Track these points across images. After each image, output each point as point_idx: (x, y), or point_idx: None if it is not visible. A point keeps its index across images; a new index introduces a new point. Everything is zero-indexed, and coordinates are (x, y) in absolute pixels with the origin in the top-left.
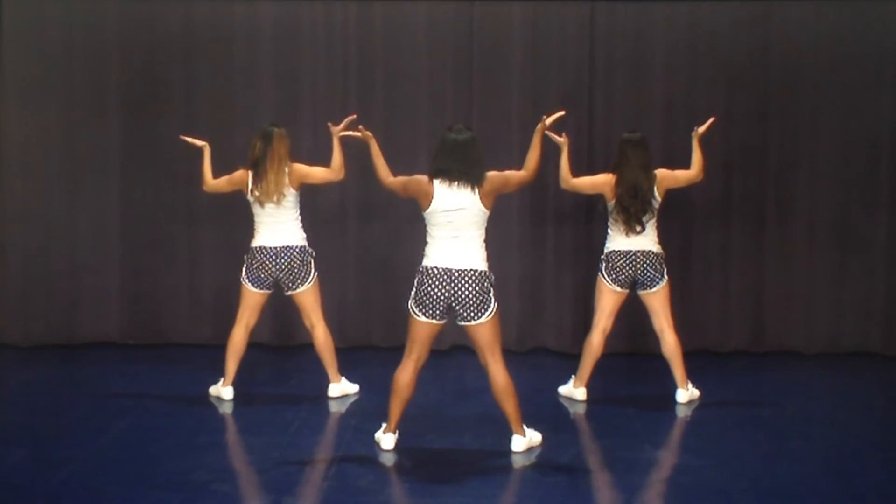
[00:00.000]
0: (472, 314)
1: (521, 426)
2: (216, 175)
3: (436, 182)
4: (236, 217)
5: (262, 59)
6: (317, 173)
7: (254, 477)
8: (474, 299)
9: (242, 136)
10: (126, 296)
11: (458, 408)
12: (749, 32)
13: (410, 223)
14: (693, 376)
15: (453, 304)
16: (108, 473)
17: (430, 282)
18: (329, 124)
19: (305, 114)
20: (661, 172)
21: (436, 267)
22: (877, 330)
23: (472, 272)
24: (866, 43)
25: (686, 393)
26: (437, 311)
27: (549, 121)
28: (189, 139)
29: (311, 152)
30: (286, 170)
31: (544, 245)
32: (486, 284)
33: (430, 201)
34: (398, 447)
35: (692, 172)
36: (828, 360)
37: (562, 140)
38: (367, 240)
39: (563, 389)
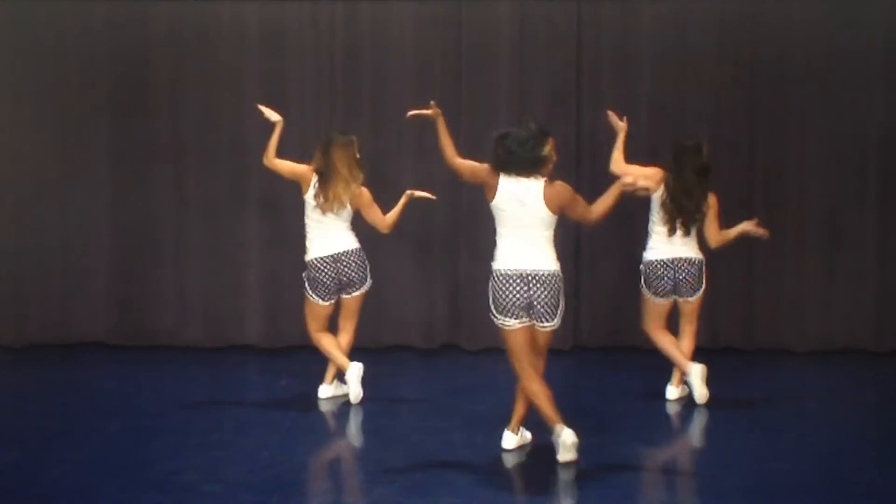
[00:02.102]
0: (547, 317)
1: (519, 427)
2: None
3: (501, 175)
4: (227, 219)
5: (248, 59)
6: (372, 213)
7: (244, 477)
8: (550, 302)
9: (229, 136)
10: (117, 297)
11: (448, 406)
12: (736, 30)
13: (400, 228)
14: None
15: (533, 304)
16: (99, 475)
17: (505, 286)
18: (409, 191)
19: (292, 113)
20: (712, 198)
21: (509, 270)
22: (867, 327)
23: (545, 274)
24: (854, 40)
25: (676, 390)
26: (520, 312)
27: (636, 185)
28: (265, 109)
29: (298, 152)
30: (352, 186)
31: None
32: (559, 285)
33: (495, 193)
34: (387, 445)
35: (713, 238)
36: (818, 358)
37: (622, 124)
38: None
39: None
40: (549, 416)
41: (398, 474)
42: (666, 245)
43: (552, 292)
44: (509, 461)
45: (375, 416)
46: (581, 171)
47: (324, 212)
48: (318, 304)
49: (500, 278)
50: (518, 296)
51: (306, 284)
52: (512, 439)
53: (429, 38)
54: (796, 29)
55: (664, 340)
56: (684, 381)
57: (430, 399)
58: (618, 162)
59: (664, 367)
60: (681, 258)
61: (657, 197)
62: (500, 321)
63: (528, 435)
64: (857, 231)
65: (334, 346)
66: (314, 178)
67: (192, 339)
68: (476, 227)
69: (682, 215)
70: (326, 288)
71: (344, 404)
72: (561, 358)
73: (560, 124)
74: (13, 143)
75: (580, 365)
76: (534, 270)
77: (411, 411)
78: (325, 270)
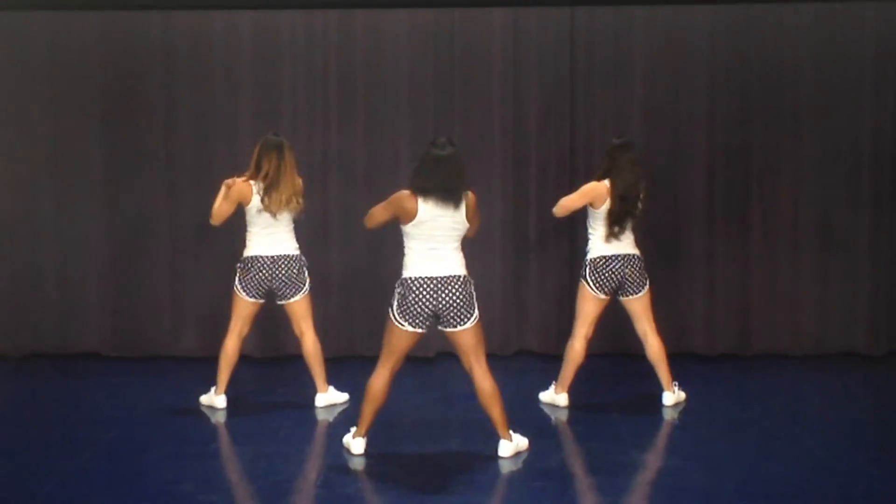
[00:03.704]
0: (457, 320)
1: (508, 431)
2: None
3: (420, 198)
4: (221, 229)
5: (242, 68)
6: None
7: (241, 487)
8: (459, 304)
9: (223, 145)
10: (112, 308)
11: (444, 414)
12: (729, 35)
13: (393, 232)
14: (679, 380)
15: (439, 313)
16: (95, 485)
17: (415, 293)
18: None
19: (286, 123)
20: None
21: (420, 277)
22: (861, 331)
23: (457, 278)
24: (846, 44)
25: (672, 395)
26: (424, 321)
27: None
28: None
29: None
30: (300, 181)
31: (527, 247)
32: (470, 289)
33: (414, 216)
34: (385, 454)
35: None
36: (813, 362)
37: None
38: (350, 249)
39: (545, 396)
40: (362, 419)
41: (394, 482)
42: (607, 244)
43: (461, 296)
44: (506, 468)
45: (371, 424)
46: (575, 176)
47: (275, 214)
48: (244, 300)
49: (411, 286)
50: (426, 302)
51: (237, 277)
52: (508, 447)
53: (422, 46)
54: (788, 34)
55: (575, 352)
56: (676, 387)
57: (426, 407)
58: (556, 211)
59: (657, 374)
60: (625, 254)
61: (604, 209)
62: (399, 324)
63: (524, 441)
64: (851, 234)
65: (228, 365)
66: (256, 186)
67: (187, 349)
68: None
69: (618, 222)
70: (257, 287)
71: (340, 413)
72: (556, 364)
73: (554, 130)
74: (7, 155)
75: (574, 371)
76: (445, 276)
77: (407, 420)
78: (262, 270)
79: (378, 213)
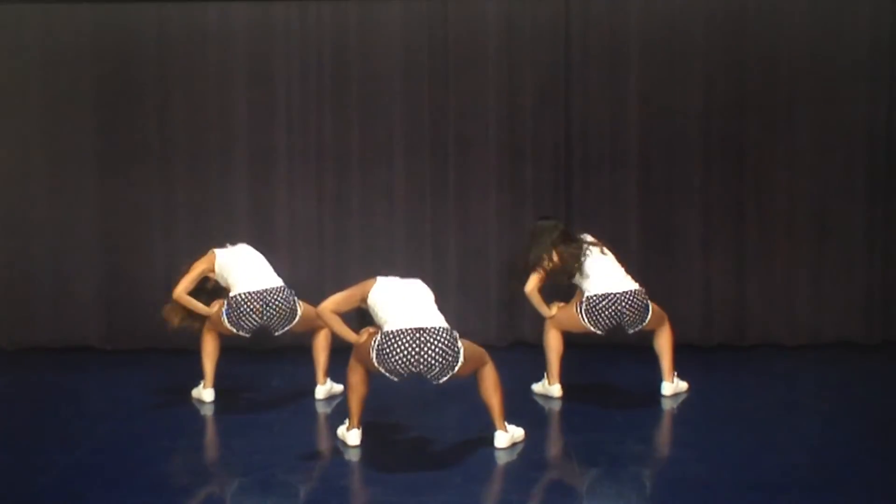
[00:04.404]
0: (446, 372)
1: (504, 422)
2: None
3: (379, 278)
4: (215, 221)
5: (235, 60)
6: None
7: (237, 479)
8: (443, 360)
9: (217, 137)
10: (106, 300)
11: (440, 405)
12: (725, 25)
13: (389, 222)
14: (676, 370)
15: (422, 369)
16: (89, 478)
17: (394, 345)
18: None
19: (280, 113)
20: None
21: (401, 328)
22: (856, 320)
23: (441, 331)
24: (842, 35)
25: (671, 385)
26: (402, 375)
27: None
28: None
29: (286, 152)
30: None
31: (523, 237)
32: (451, 340)
33: (372, 289)
34: (381, 445)
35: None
36: (809, 352)
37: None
38: (345, 244)
39: (538, 387)
40: (352, 412)
41: (392, 474)
42: (603, 281)
43: (444, 350)
44: (502, 459)
45: (368, 416)
46: (570, 167)
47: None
48: (227, 328)
49: (390, 336)
50: (406, 355)
51: (224, 312)
52: (504, 437)
53: (416, 37)
54: (784, 23)
55: (552, 342)
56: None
57: (423, 398)
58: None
59: (659, 364)
60: (623, 291)
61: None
62: (373, 363)
63: (519, 432)
64: (846, 225)
65: (210, 358)
66: (215, 257)
67: (182, 342)
68: (467, 225)
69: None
70: (249, 326)
71: (334, 405)
72: None
73: (549, 120)
74: (3, 148)
75: (573, 362)
76: (428, 327)
77: (404, 411)
78: (253, 309)
79: (338, 311)
